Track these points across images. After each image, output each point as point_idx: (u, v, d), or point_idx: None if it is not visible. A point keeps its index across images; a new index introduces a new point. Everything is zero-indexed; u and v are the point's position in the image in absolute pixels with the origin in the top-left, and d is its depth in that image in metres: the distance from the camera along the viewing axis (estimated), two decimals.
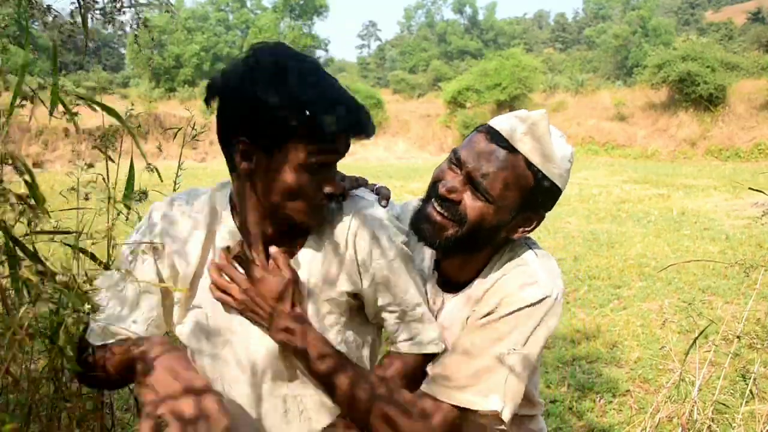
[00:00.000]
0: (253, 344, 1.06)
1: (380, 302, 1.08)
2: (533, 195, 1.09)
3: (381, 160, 19.13)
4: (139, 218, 1.17)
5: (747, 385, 1.88)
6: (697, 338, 1.78)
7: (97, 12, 1.05)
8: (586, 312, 4.73)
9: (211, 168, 15.37)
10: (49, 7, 1.02)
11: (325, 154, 0.96)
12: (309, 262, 1.07)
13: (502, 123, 1.11)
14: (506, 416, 1.03)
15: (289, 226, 1.04)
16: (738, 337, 1.87)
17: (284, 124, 0.92)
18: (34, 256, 0.92)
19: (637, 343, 4.10)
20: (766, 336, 3.77)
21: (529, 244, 1.18)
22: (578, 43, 68.03)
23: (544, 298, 1.05)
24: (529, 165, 1.06)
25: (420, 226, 1.11)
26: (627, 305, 4.91)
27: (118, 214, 1.27)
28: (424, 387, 1.08)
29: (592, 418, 3.10)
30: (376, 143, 21.41)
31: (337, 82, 0.98)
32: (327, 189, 0.98)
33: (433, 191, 1.12)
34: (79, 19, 1.03)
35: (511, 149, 1.06)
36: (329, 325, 1.07)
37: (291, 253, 1.07)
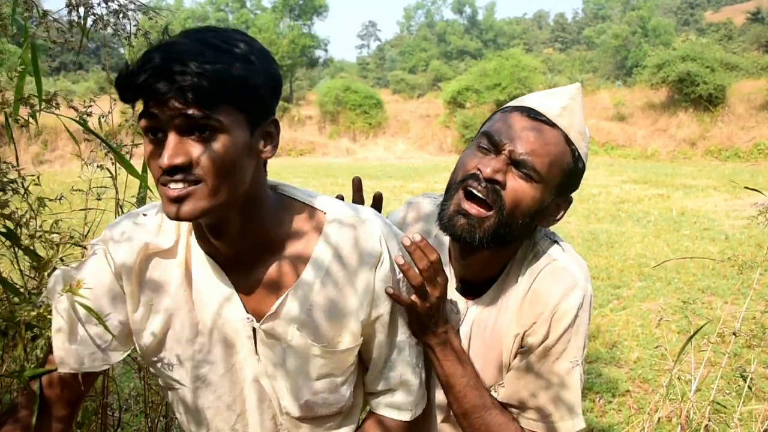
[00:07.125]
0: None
1: None
2: (570, 176, 1.03)
3: (381, 160, 19.10)
4: None
5: (745, 384, 1.88)
6: (691, 338, 1.78)
7: (92, 17, 1.05)
8: None
9: None
10: (57, 20, 1.02)
11: (145, 118, 0.79)
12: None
13: (532, 100, 1.04)
14: (583, 425, 1.06)
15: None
16: (734, 334, 1.87)
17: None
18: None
19: (636, 343, 4.11)
20: (763, 334, 3.77)
21: (548, 235, 1.12)
22: (578, 43, 68.05)
23: (584, 297, 1.03)
24: (568, 141, 1.00)
25: (453, 223, 1.01)
26: (626, 305, 4.91)
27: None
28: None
29: (591, 418, 3.10)
30: (375, 143, 21.40)
31: (206, 39, 0.79)
32: (159, 162, 0.79)
33: (463, 181, 1.01)
34: (76, 19, 1.04)
35: (550, 123, 0.99)
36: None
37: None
